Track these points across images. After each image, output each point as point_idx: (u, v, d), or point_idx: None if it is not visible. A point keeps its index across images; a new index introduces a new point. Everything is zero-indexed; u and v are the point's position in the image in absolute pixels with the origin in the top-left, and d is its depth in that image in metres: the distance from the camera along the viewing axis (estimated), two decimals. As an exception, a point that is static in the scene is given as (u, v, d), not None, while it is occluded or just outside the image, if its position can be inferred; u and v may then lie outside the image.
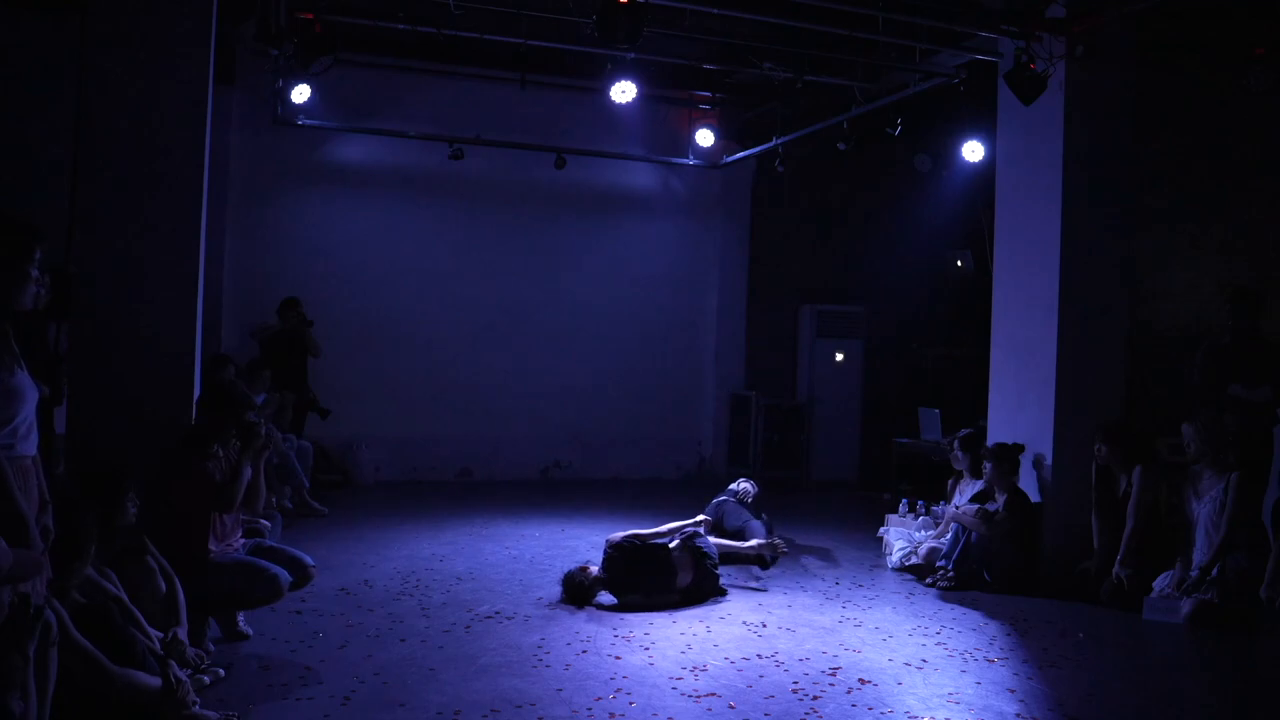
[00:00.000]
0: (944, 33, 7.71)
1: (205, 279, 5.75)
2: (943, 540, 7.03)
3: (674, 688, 4.49)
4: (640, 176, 11.88)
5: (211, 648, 4.71)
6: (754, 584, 6.58)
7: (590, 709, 4.18)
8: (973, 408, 8.77)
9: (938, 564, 6.83)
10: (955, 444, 7.60)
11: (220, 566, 4.71)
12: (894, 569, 7.21)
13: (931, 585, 6.73)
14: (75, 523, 3.60)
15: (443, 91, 10.64)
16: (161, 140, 5.47)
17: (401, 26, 7.78)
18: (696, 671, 4.73)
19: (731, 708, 4.27)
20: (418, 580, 6.39)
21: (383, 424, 10.67)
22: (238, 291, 10.14)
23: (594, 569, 6.04)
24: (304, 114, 9.95)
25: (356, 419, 10.27)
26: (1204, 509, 6.11)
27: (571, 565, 6.23)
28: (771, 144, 10.46)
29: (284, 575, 4.77)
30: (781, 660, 4.97)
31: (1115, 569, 6.35)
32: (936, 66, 8.26)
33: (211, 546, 4.74)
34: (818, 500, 10.72)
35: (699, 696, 4.39)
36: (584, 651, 4.99)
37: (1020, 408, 7.20)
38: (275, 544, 5.26)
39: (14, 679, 2.94)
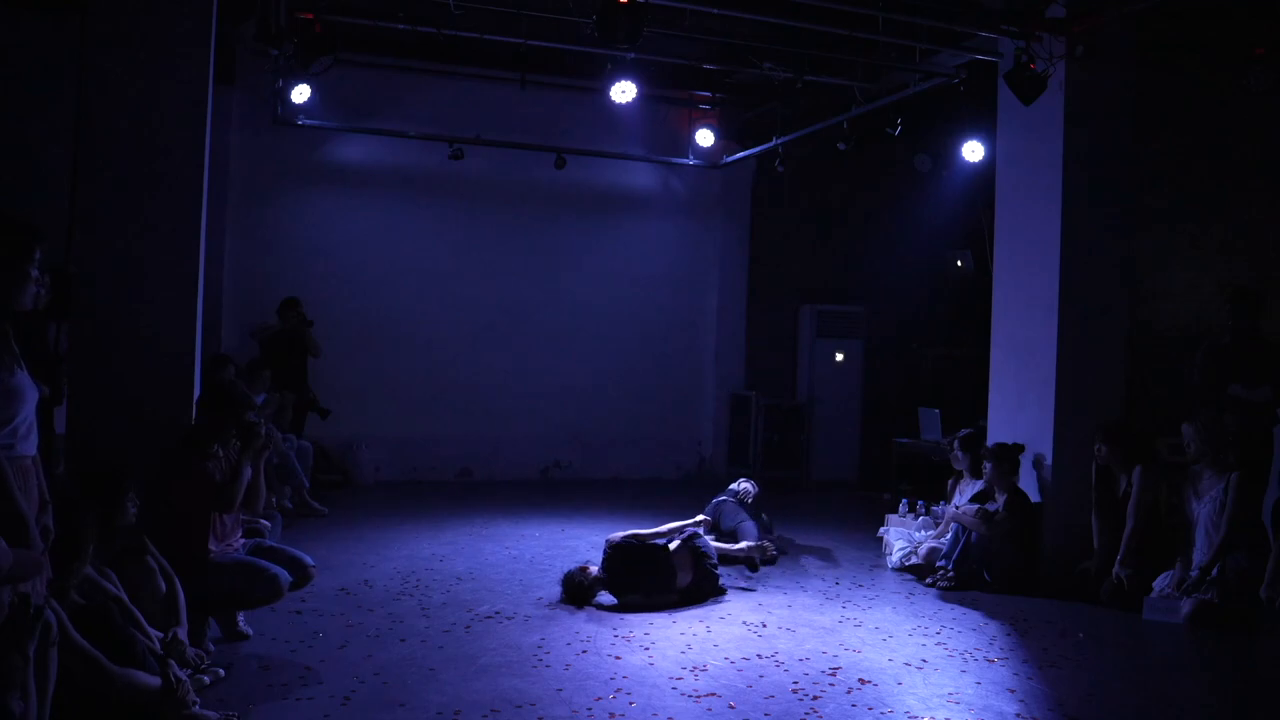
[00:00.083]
0: (944, 33, 7.71)
1: (205, 279, 5.75)
2: (943, 540, 7.03)
3: (674, 688, 4.49)
4: (640, 176, 11.88)
5: (211, 648, 4.71)
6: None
7: (590, 709, 4.18)
8: (973, 408, 8.77)
9: (938, 564, 6.83)
10: (955, 444, 7.60)
11: (220, 566, 4.71)
12: (894, 569, 7.21)
13: (931, 585, 6.73)
14: (75, 523, 3.60)
15: (443, 91, 10.64)
16: (161, 140, 5.47)
17: (401, 26, 7.78)
18: (696, 671, 4.73)
19: (731, 708, 4.27)
20: (418, 580, 6.39)
21: (383, 424, 10.67)
22: (238, 291, 10.14)
23: (594, 569, 6.04)
24: (304, 114, 9.95)
25: (356, 419, 10.27)
26: (1204, 509, 6.11)
27: (571, 565, 6.23)
28: (771, 144, 10.46)
29: (284, 575, 4.77)
30: (781, 660, 4.97)
31: (1115, 569, 6.35)
32: (936, 66, 8.26)
33: (211, 546, 4.74)
34: (818, 500, 10.72)
35: (699, 696, 4.39)
36: (584, 651, 4.99)
37: (1020, 408, 7.20)
38: (275, 544, 5.26)
39: (14, 679, 2.95)
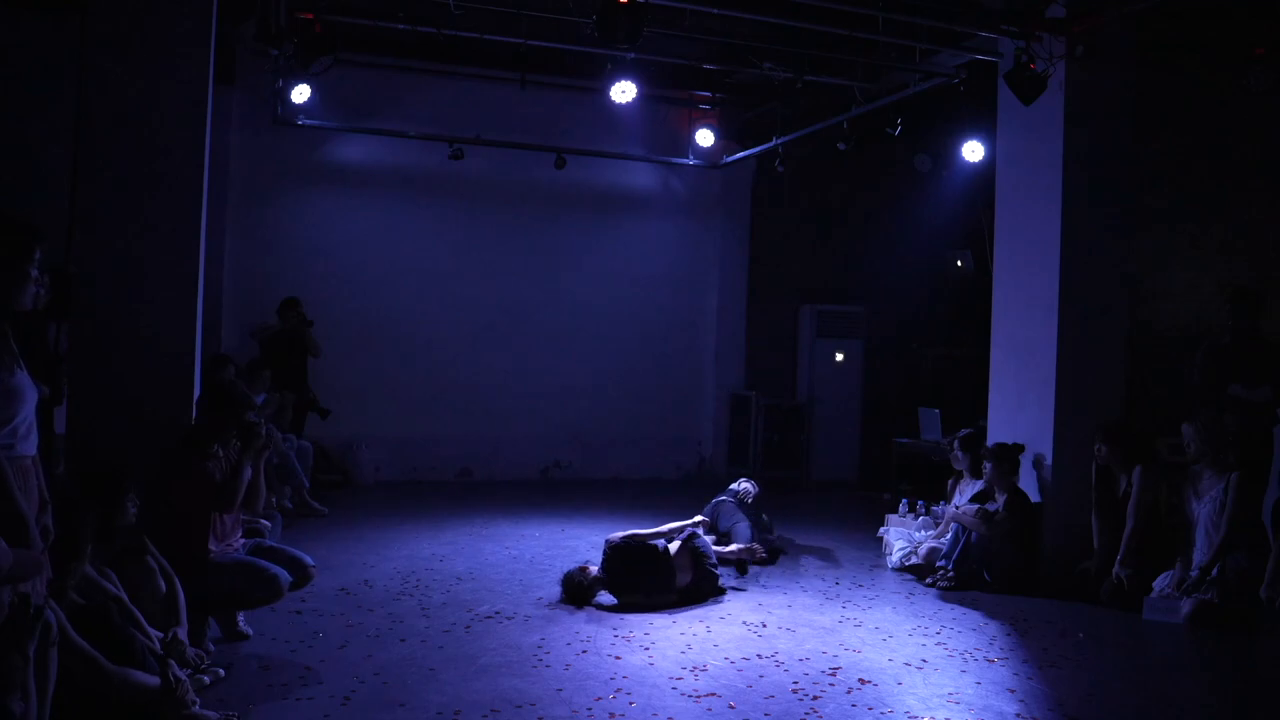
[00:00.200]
0: (944, 33, 7.71)
1: (205, 279, 5.75)
2: (943, 540, 7.03)
3: (674, 688, 4.49)
4: (640, 176, 11.88)
5: (211, 648, 4.71)
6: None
7: (590, 709, 4.18)
8: (973, 408, 8.77)
9: (938, 564, 6.83)
10: (955, 444, 7.60)
11: (220, 566, 4.71)
12: (894, 569, 7.21)
13: (931, 585, 6.73)
14: (75, 523, 3.60)
15: (443, 91, 10.64)
16: (161, 140, 5.47)
17: (401, 26, 7.78)
18: (696, 671, 4.73)
19: (731, 708, 4.27)
20: (418, 580, 6.39)
21: (383, 424, 10.67)
22: (238, 291, 10.14)
23: (594, 569, 6.04)
24: (304, 114, 9.95)
25: (356, 419, 10.27)
26: (1204, 509, 6.11)
27: (571, 565, 6.24)
28: (771, 144, 10.46)
29: (284, 575, 4.77)
30: (781, 660, 4.97)
31: (1115, 569, 6.35)
32: (936, 66, 8.26)
33: (211, 546, 4.74)
34: (818, 500, 10.72)
35: (699, 696, 4.39)
36: (584, 651, 4.99)
37: (1020, 408, 7.20)
38: (275, 544, 5.26)
39: (14, 679, 2.94)
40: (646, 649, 5.08)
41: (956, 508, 7.19)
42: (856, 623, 5.76)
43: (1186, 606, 5.92)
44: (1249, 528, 6.04)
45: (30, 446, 3.20)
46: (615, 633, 5.35)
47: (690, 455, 12.15)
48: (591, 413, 11.56)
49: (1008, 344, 7.41)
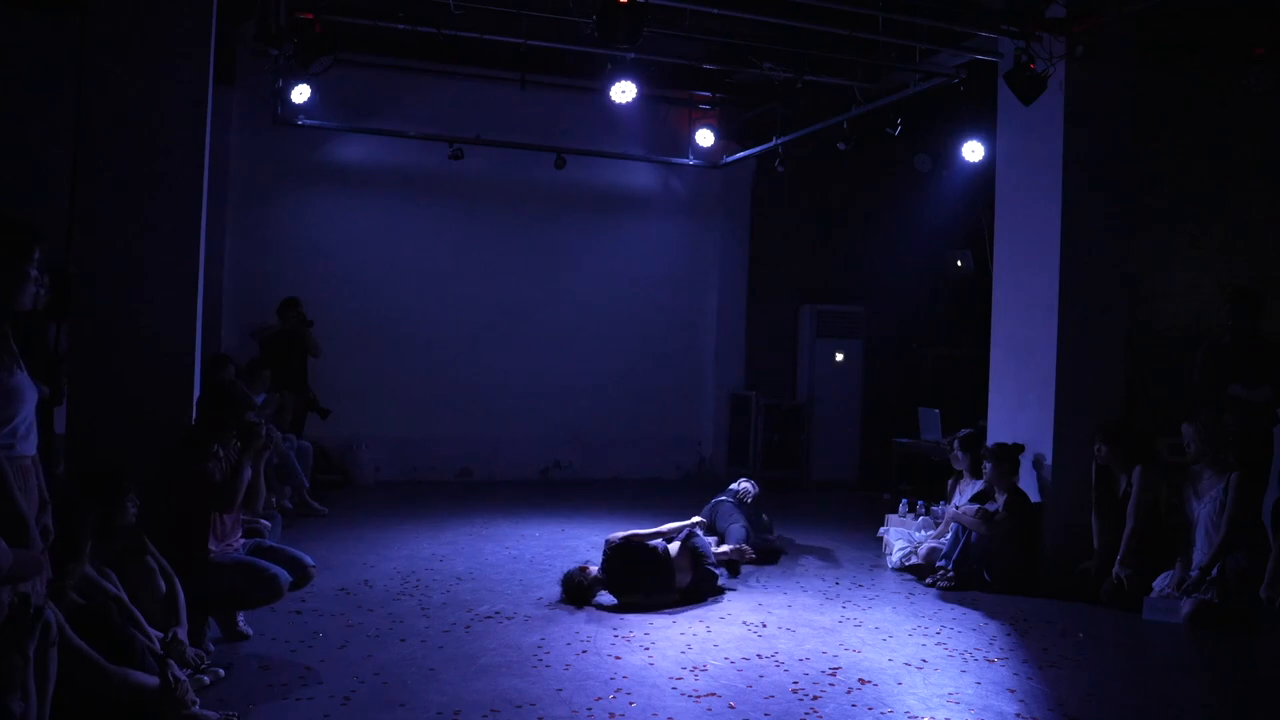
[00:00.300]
0: (944, 33, 7.71)
1: (205, 279, 5.75)
2: (943, 540, 7.03)
3: (674, 688, 4.49)
4: (640, 176, 11.88)
5: (211, 648, 4.71)
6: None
7: (590, 709, 4.18)
8: (973, 408, 8.77)
9: (938, 564, 6.83)
10: (955, 444, 7.60)
11: (220, 566, 4.71)
12: (894, 569, 7.21)
13: (931, 585, 6.72)
14: (75, 523, 3.60)
15: (443, 91, 10.64)
16: (161, 140, 5.47)
17: (401, 26, 7.78)
18: (696, 671, 4.73)
19: (731, 708, 4.27)
20: (418, 580, 6.39)
21: (383, 424, 10.67)
22: (238, 291, 10.14)
23: (594, 569, 6.04)
24: (304, 114, 9.95)
25: (356, 419, 10.28)
26: (1204, 509, 6.11)
27: (571, 565, 6.24)
28: (771, 144, 10.46)
29: (284, 575, 4.77)
30: (781, 660, 4.97)
31: (1115, 569, 6.35)
32: (936, 66, 8.26)
33: (211, 546, 4.74)
34: (818, 500, 10.72)
35: (699, 696, 4.39)
36: (584, 651, 4.99)
37: (1020, 408, 7.20)
38: (275, 544, 5.26)
39: (14, 679, 2.95)
40: (646, 649, 5.08)
41: (956, 508, 7.19)
42: (856, 623, 5.76)
43: (1186, 606, 5.92)
44: (1249, 528, 6.04)
45: (30, 446, 3.20)
46: (615, 633, 5.35)
47: (690, 455, 12.15)
48: (591, 413, 11.56)
49: (1008, 344, 7.41)
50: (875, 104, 9.12)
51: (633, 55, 8.37)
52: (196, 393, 5.54)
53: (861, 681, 4.68)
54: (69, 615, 3.42)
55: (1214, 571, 5.94)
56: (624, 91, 8.77)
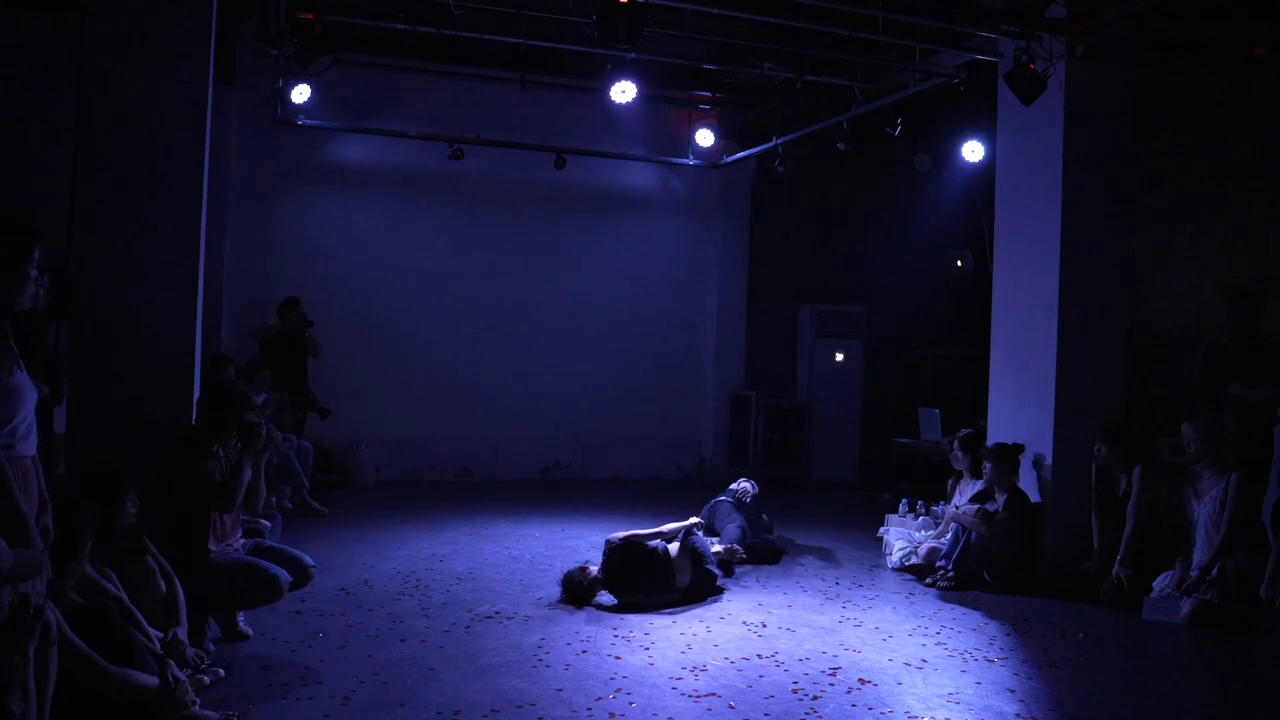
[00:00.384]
0: (944, 33, 7.71)
1: (205, 279, 5.75)
2: (943, 540, 7.03)
3: (674, 688, 4.49)
4: (640, 176, 11.88)
5: (211, 648, 4.71)
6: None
7: (590, 709, 4.18)
8: (973, 408, 8.77)
9: (938, 564, 6.83)
10: (955, 444, 7.60)
11: (220, 566, 4.71)
12: (894, 569, 7.21)
13: (931, 585, 6.72)
14: (75, 523, 3.60)
15: (443, 91, 10.64)
16: (161, 140, 5.47)
17: (401, 26, 7.78)
18: (696, 671, 4.73)
19: (731, 708, 4.27)
20: (418, 580, 6.39)
21: (383, 424, 10.67)
22: (238, 291, 10.14)
23: (594, 569, 6.04)
24: (304, 114, 9.95)
25: (356, 419, 10.28)
26: (1204, 509, 6.10)
27: (571, 565, 6.24)
28: (771, 144, 10.46)
29: (284, 575, 4.77)
30: (781, 660, 4.97)
31: (1115, 569, 6.35)
32: (936, 66, 8.26)
33: (211, 546, 4.74)
34: (818, 500, 10.72)
35: (699, 696, 4.39)
36: (584, 651, 4.99)
37: (1020, 408, 7.20)
38: (275, 544, 5.26)
39: (14, 679, 2.95)
40: (646, 649, 5.08)
41: (956, 508, 7.19)
42: (856, 623, 5.76)
43: (1186, 606, 5.92)
44: (1249, 528, 6.04)
45: (30, 446, 3.20)
46: (615, 633, 5.35)
47: (690, 455, 12.15)
48: (591, 413, 11.56)
49: (1008, 344, 7.41)
50: (875, 104, 9.12)
51: (633, 55, 8.37)
52: (196, 393, 5.54)
53: (861, 681, 4.68)
54: (69, 615, 3.42)
55: (1214, 571, 5.94)
56: (624, 91, 8.77)
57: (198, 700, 3.76)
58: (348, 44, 8.91)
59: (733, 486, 7.99)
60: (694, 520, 6.77)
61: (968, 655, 5.19)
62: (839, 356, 12.05)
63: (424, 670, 4.62)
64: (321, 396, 9.58)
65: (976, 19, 7.15)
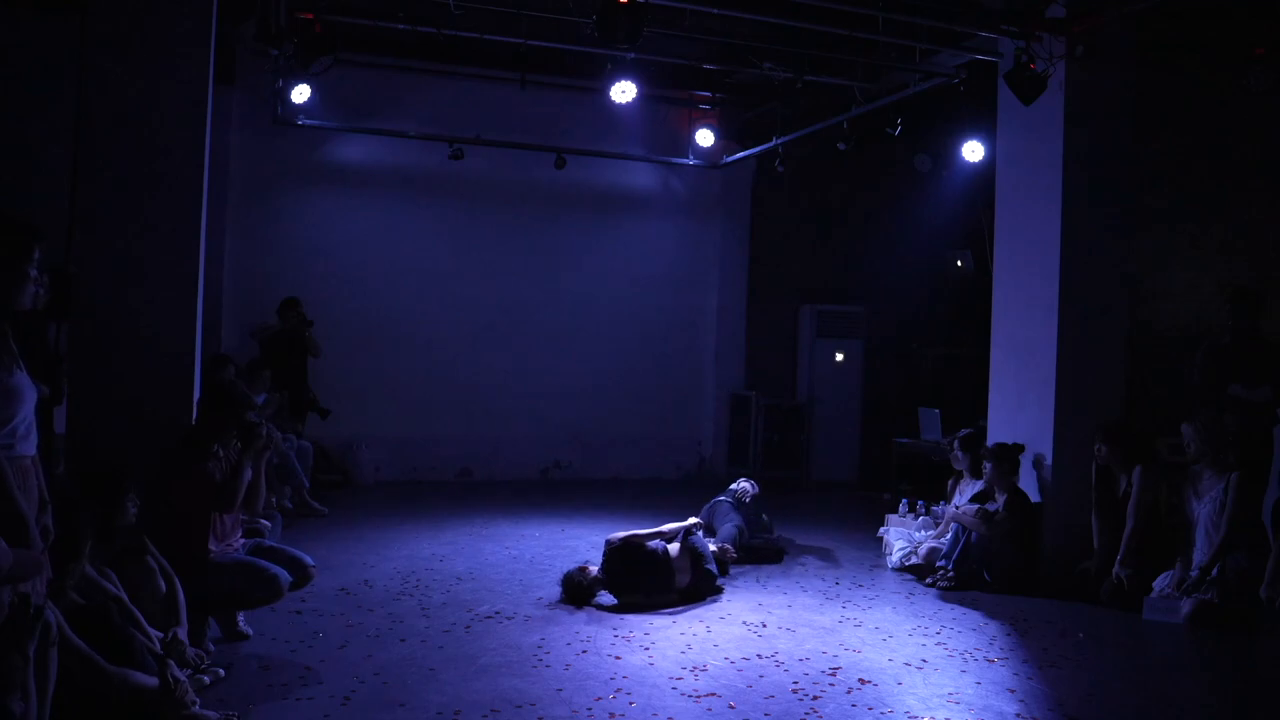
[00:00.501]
0: (944, 33, 7.71)
1: (205, 279, 5.76)
2: (943, 540, 7.03)
3: (674, 688, 4.49)
4: (640, 176, 11.88)
5: (211, 648, 4.71)
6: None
7: (590, 709, 4.18)
8: (973, 408, 8.77)
9: (938, 564, 6.83)
10: (955, 444, 7.60)
11: (220, 566, 4.71)
12: (894, 569, 7.21)
13: (931, 585, 6.72)
14: (75, 523, 3.60)
15: (443, 91, 10.64)
16: (161, 140, 5.48)
17: (401, 26, 7.78)
18: (696, 671, 4.73)
19: (731, 708, 4.27)
20: (418, 580, 6.39)
21: (383, 424, 10.67)
22: (238, 291, 10.13)
23: (594, 569, 6.04)
24: (304, 114, 9.95)
25: (356, 419, 10.27)
26: (1204, 509, 6.10)
27: (571, 565, 6.24)
28: (771, 144, 10.46)
29: (284, 575, 4.77)
30: (781, 660, 4.97)
31: (1115, 569, 6.35)
32: (936, 66, 8.26)
33: (211, 546, 4.74)
34: (818, 500, 10.72)
35: (699, 696, 4.39)
36: (584, 651, 4.99)
37: (1020, 408, 7.20)
38: (275, 544, 5.26)
39: (14, 679, 2.95)
40: (646, 649, 5.08)
41: (956, 508, 7.19)
42: (856, 623, 5.76)
43: (1186, 606, 5.92)
44: (1249, 528, 6.04)
45: (30, 446, 3.20)
46: (615, 633, 5.35)
47: (690, 455, 12.15)
48: (591, 413, 11.56)
49: (1008, 344, 7.41)
50: (875, 104, 9.12)
51: (633, 55, 8.37)
52: (196, 393, 5.54)
53: (861, 681, 4.68)
54: (69, 615, 3.42)
55: (1214, 571, 5.94)
56: (624, 91, 8.77)
57: (198, 700, 3.76)
58: (348, 44, 8.90)
59: (732, 486, 7.99)
60: (693, 520, 6.77)
61: (968, 655, 5.19)
62: (839, 356, 12.05)
63: (424, 670, 4.62)
64: (321, 396, 9.58)
65: (976, 19, 7.15)
